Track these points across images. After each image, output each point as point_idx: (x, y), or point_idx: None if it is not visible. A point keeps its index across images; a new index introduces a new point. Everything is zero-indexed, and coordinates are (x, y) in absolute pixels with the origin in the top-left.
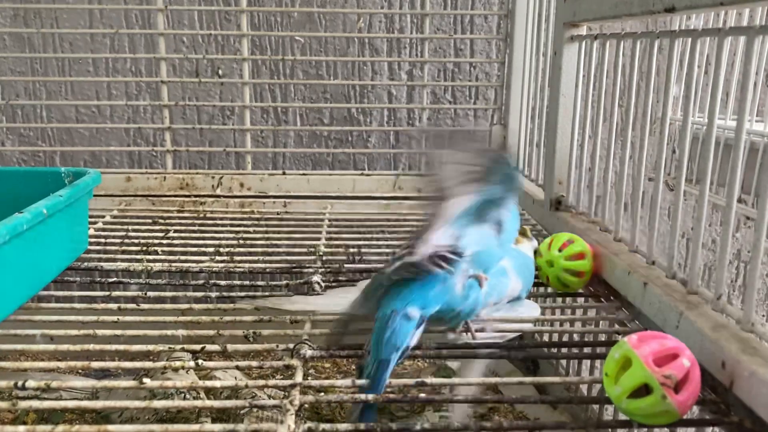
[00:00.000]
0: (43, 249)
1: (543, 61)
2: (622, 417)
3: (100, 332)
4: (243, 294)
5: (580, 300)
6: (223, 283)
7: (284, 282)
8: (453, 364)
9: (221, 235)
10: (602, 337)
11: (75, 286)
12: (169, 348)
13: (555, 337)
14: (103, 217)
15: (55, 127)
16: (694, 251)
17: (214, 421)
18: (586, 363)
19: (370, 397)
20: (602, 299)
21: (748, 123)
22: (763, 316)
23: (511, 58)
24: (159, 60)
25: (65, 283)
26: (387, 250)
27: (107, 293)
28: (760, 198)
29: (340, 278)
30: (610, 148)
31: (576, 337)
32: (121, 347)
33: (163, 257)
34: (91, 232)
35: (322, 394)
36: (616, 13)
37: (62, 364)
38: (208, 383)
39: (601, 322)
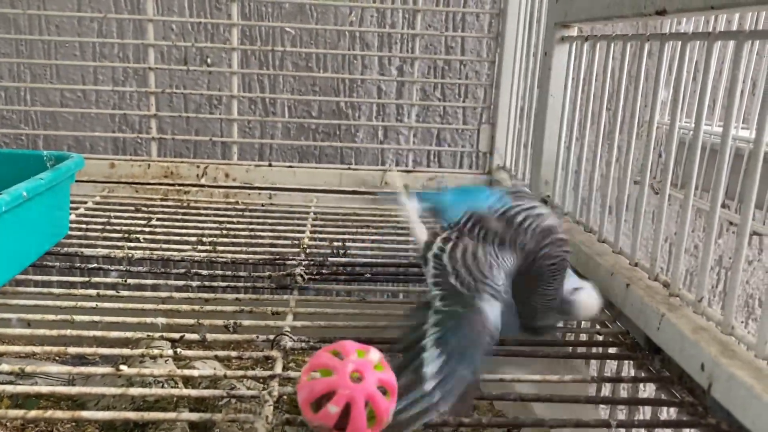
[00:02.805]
0: (22, 232)
1: (533, 61)
2: (600, 416)
3: (77, 318)
4: (225, 284)
5: None
6: (204, 272)
7: (267, 273)
8: None
9: (204, 225)
10: (583, 337)
11: (54, 271)
12: (148, 336)
13: None
14: (85, 203)
15: (39, 111)
16: (677, 253)
17: (191, 411)
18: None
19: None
20: None
21: (734, 129)
22: (742, 322)
23: (502, 58)
24: (147, 46)
25: (44, 268)
26: (371, 245)
27: (86, 279)
28: (743, 204)
29: (324, 271)
30: (596, 151)
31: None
32: (99, 334)
33: (144, 245)
34: (73, 217)
35: None
36: (608, 15)
37: (38, 349)
38: (186, 372)
39: (582, 322)
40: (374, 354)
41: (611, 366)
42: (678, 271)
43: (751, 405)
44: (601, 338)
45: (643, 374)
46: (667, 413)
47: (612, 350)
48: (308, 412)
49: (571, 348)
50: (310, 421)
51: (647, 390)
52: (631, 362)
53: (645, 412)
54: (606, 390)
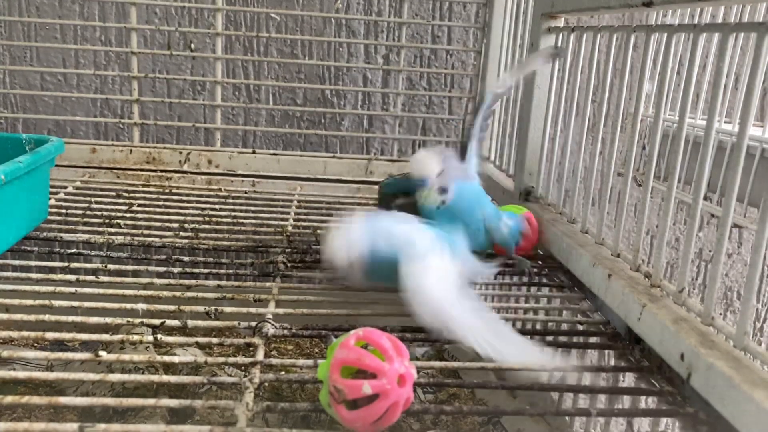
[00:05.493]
0: (0, 216)
1: (519, 52)
2: (580, 405)
3: (56, 303)
4: (207, 271)
5: (545, 289)
6: (186, 258)
7: (249, 260)
8: (416, 350)
9: (186, 212)
10: (565, 327)
11: (33, 256)
12: (128, 322)
13: (518, 325)
14: (66, 187)
15: (18, 94)
16: (659, 244)
17: (171, 398)
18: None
19: None
20: (566, 289)
21: (717, 123)
22: (720, 314)
23: (488, 48)
24: (130, 30)
25: (23, 253)
26: None
27: (66, 264)
28: (725, 196)
29: (306, 259)
30: (581, 143)
31: (539, 325)
32: (78, 319)
33: (125, 231)
34: (53, 202)
35: (283, 373)
36: (595, 6)
37: (15, 334)
38: (167, 359)
39: (564, 311)
40: (407, 357)
41: (592, 356)
42: (660, 263)
43: (729, 395)
44: (582, 328)
45: (623, 364)
46: (647, 402)
47: (593, 340)
48: (336, 371)
49: (552, 337)
50: (333, 381)
51: (627, 379)
52: (612, 352)
53: (624, 402)
54: (586, 379)
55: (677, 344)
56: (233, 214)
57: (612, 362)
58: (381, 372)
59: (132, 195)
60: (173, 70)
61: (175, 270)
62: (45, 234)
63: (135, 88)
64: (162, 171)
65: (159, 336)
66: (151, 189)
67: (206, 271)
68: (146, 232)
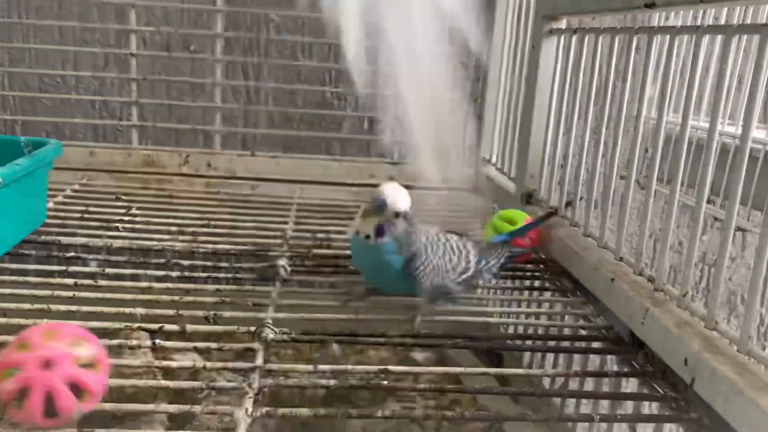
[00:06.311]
0: None
1: (521, 54)
2: (583, 411)
3: (54, 307)
4: (206, 275)
5: (547, 294)
6: (185, 262)
7: (248, 264)
8: (418, 355)
9: (185, 215)
10: (567, 331)
11: (31, 260)
12: (126, 326)
13: (520, 330)
14: (64, 190)
15: (17, 96)
16: (663, 248)
17: (170, 403)
18: (550, 357)
19: None
20: (569, 294)
21: (720, 125)
22: (724, 318)
23: (489, 50)
24: (129, 32)
25: (20, 256)
26: None
27: (64, 268)
28: (729, 200)
29: (307, 263)
30: (583, 146)
31: (541, 330)
32: (77, 323)
33: (124, 234)
34: (51, 205)
35: (283, 378)
36: (597, 8)
37: (12, 339)
38: (165, 363)
39: (567, 316)
40: (67, 338)
41: (594, 361)
42: (663, 266)
43: (733, 400)
44: (585, 333)
45: (626, 369)
46: (650, 408)
47: (596, 345)
48: None
49: (554, 342)
50: None
51: (630, 385)
52: (615, 357)
53: (627, 407)
54: (589, 384)
55: (681, 349)
56: (233, 217)
57: (615, 367)
58: (21, 363)
59: (131, 198)
60: (172, 71)
61: (174, 274)
62: (43, 237)
63: (134, 90)
64: (161, 174)
65: (157, 341)
66: (150, 192)
67: (205, 275)
68: (145, 235)
